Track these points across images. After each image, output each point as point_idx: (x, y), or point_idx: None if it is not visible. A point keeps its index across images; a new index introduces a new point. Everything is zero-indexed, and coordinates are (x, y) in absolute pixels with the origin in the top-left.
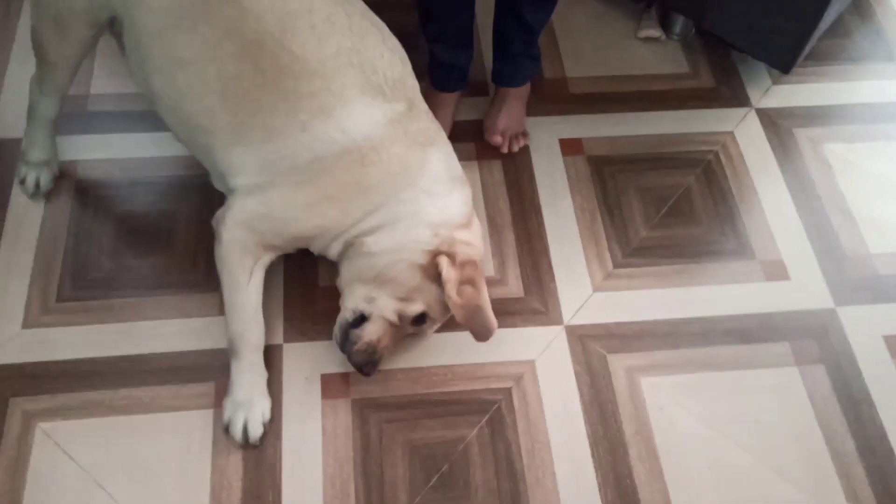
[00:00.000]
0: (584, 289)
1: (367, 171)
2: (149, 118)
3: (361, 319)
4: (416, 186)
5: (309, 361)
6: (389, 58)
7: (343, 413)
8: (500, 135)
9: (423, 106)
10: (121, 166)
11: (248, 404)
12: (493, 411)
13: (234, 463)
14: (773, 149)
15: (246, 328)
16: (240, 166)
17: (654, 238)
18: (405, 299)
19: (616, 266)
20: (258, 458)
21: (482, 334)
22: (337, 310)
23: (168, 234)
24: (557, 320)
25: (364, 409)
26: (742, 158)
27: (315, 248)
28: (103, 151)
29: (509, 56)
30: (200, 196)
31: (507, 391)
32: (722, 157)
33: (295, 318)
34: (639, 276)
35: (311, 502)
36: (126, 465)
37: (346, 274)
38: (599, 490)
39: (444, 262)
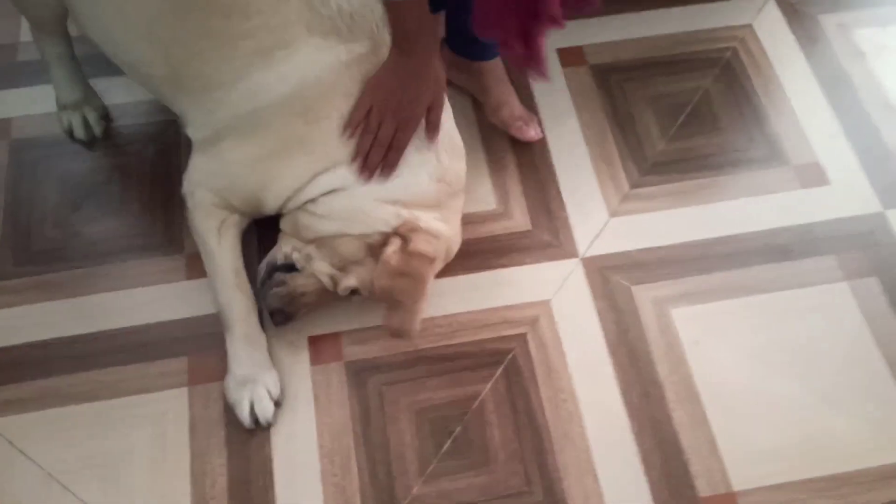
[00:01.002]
0: (598, 215)
1: (311, 128)
2: (89, 63)
3: (291, 268)
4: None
5: (293, 323)
6: None
7: (337, 379)
8: (523, 120)
9: None
10: (55, 120)
11: (252, 381)
12: (507, 362)
13: (217, 446)
14: (798, 40)
15: (230, 296)
16: (188, 117)
17: (672, 151)
18: (341, 269)
19: (633, 186)
20: (244, 438)
21: (393, 330)
22: None
23: (120, 193)
24: (572, 253)
25: (360, 373)
26: (764, 53)
27: (270, 211)
28: (40, 105)
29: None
30: (155, 146)
31: (522, 338)
32: (741, 53)
33: None
34: (659, 195)
35: (307, 483)
36: (92, 459)
37: (286, 222)
38: (636, 439)
39: (393, 244)
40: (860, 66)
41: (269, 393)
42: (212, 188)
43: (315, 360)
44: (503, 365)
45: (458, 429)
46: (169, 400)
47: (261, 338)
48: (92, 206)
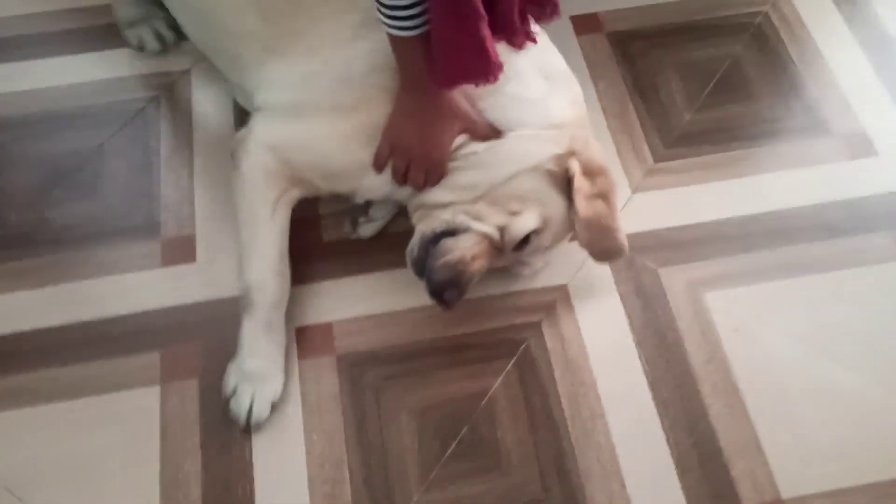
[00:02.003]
0: (620, 190)
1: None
2: (64, 39)
3: (451, 234)
4: (520, 80)
5: None
6: None
7: (328, 374)
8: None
9: None
10: (30, 98)
11: (260, 378)
12: (520, 353)
13: (192, 450)
14: (836, 2)
15: (266, 277)
16: (274, 81)
17: (702, 121)
18: (516, 213)
19: (658, 160)
20: (222, 441)
21: (606, 256)
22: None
23: (95, 175)
24: None
25: (355, 367)
26: (798, 16)
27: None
28: (12, 83)
29: None
30: (133, 126)
31: (537, 326)
32: (773, 17)
33: None
34: (688, 168)
35: (294, 492)
36: (53, 464)
37: (432, 193)
38: (667, 438)
39: (575, 167)
40: None
41: (274, 395)
42: (286, 159)
43: (304, 353)
44: (515, 357)
45: (465, 429)
46: (140, 399)
47: (281, 335)
48: (65, 190)
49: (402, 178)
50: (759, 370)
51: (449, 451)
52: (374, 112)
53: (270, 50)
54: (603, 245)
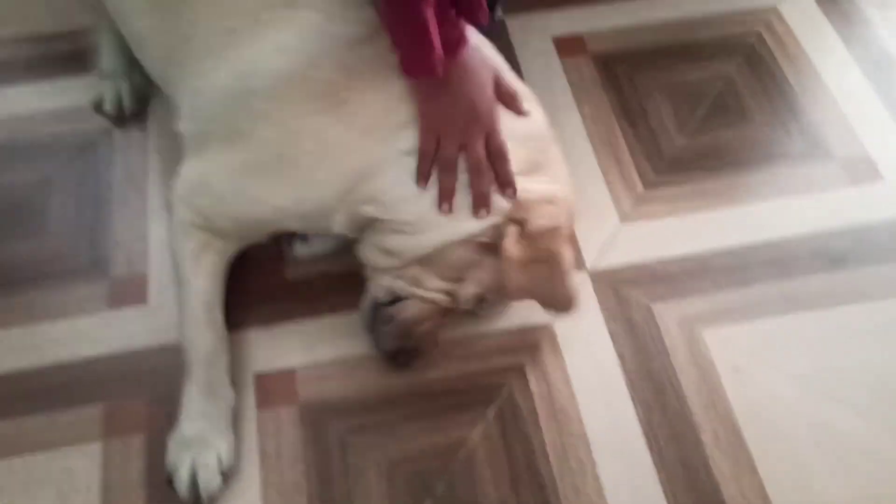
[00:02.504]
0: (608, 220)
1: (331, 117)
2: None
3: (393, 302)
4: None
5: (236, 357)
6: None
7: (289, 426)
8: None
9: None
10: None
11: (200, 443)
12: (501, 399)
13: None
14: (831, 20)
15: (195, 333)
16: (176, 102)
17: (694, 146)
18: (457, 280)
19: (648, 187)
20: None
21: (556, 311)
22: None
23: (41, 212)
24: (578, 265)
25: (319, 417)
26: (793, 37)
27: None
28: None
29: None
30: (84, 158)
31: (519, 370)
32: (767, 38)
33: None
34: (681, 196)
35: None
36: None
37: (369, 253)
38: (664, 492)
39: (510, 232)
40: None
41: (220, 461)
42: (196, 206)
43: (263, 403)
44: (496, 403)
45: (442, 486)
46: (78, 458)
47: (225, 392)
48: (7, 227)
49: (453, 167)
50: (762, 415)
51: None
52: (272, 135)
53: (168, 61)
54: (548, 304)
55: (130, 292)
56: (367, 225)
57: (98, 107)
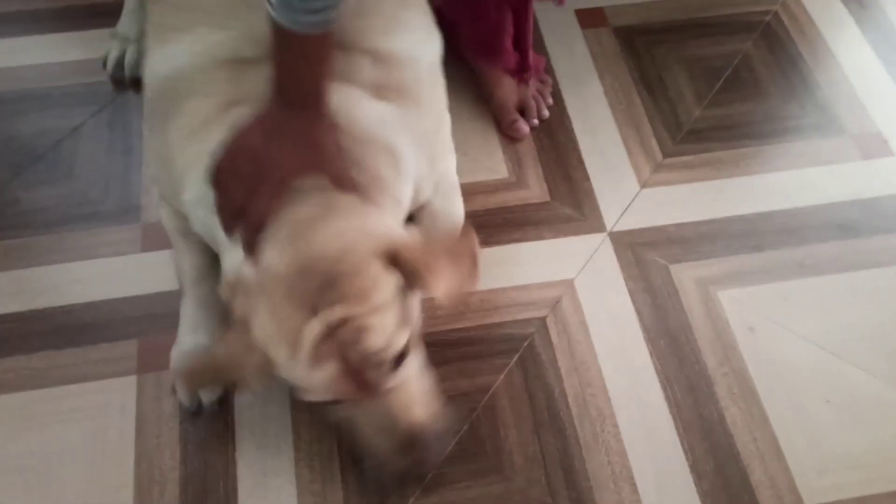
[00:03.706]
0: (628, 186)
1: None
2: (41, 17)
3: None
4: None
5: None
6: None
7: None
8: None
9: None
10: (2, 76)
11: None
12: (523, 350)
13: (170, 443)
14: (846, 4)
15: (180, 256)
16: None
17: (711, 117)
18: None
19: (667, 155)
20: (202, 438)
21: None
22: None
23: (69, 157)
24: (598, 227)
25: None
26: (809, 17)
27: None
28: None
29: None
30: (113, 107)
31: (541, 322)
32: (784, 17)
33: None
34: (698, 164)
35: (280, 493)
36: (13, 462)
37: None
38: (681, 442)
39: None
40: None
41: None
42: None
43: None
44: (519, 353)
45: (465, 428)
46: (113, 390)
47: (217, 304)
48: (37, 171)
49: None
50: (776, 372)
51: (447, 452)
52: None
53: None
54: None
55: (162, 237)
56: None
57: (102, 64)
